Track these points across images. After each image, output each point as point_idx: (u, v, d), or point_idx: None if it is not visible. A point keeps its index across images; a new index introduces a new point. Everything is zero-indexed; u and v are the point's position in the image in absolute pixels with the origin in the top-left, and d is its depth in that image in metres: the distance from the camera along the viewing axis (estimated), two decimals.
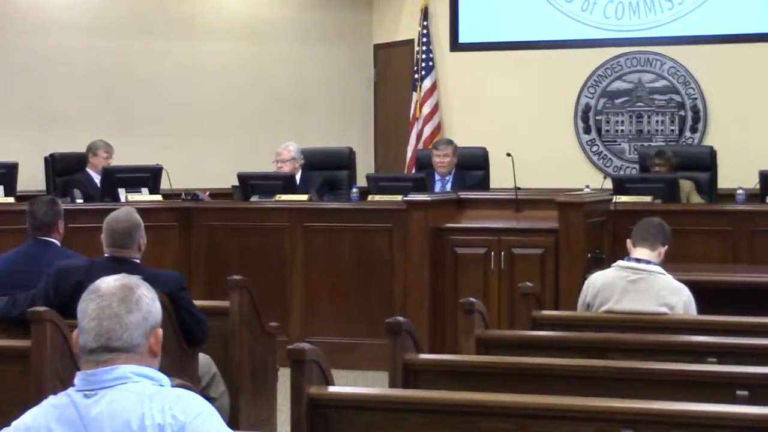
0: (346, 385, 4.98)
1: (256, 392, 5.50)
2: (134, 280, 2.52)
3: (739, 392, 3.69)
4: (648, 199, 7.63)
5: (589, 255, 6.73)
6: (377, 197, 8.10)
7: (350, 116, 11.29)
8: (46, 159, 9.16)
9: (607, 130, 10.47)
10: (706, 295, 5.27)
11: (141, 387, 2.41)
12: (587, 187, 7.98)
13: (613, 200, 7.24)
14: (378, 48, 11.44)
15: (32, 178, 9.07)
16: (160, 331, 2.51)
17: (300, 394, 3.40)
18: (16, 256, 5.29)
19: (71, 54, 10.24)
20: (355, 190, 8.63)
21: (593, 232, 6.89)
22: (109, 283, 2.49)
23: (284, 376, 4.26)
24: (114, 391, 2.40)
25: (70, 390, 2.44)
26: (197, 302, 4.98)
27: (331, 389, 3.49)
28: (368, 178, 8.60)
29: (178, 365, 4.63)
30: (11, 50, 10.05)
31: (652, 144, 10.07)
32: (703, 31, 10.18)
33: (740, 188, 7.83)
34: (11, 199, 8.04)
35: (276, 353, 5.66)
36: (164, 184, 8.47)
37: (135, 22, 10.46)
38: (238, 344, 5.33)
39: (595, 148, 10.49)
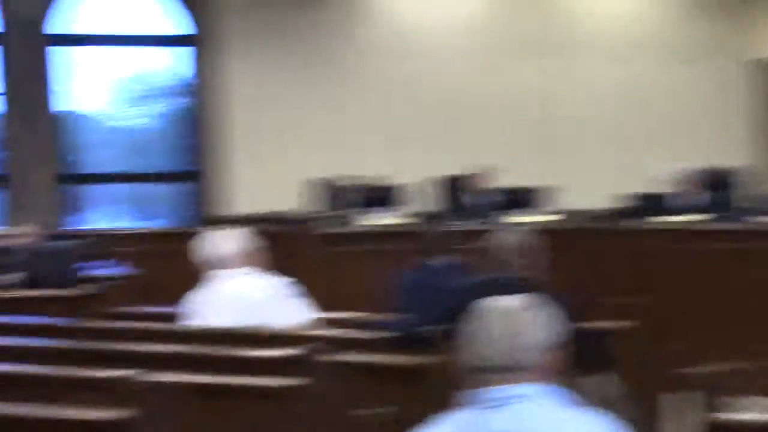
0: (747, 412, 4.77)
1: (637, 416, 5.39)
2: (531, 300, 2.53)
3: None
4: None
5: None
6: None
7: (739, 133, 10.94)
8: (435, 179, 9.43)
9: None
10: None
11: (545, 406, 2.42)
12: None
13: None
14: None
15: (417, 198, 9.35)
16: (560, 352, 2.51)
17: (696, 422, 3.29)
18: (415, 275, 5.43)
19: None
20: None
21: None
22: (505, 303, 2.52)
23: (671, 402, 4.14)
24: (516, 407, 2.41)
25: (468, 406, 2.47)
26: (590, 323, 4.93)
27: (730, 417, 3.33)
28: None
29: (575, 386, 4.60)
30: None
31: None
32: None
33: None
34: (400, 220, 8.33)
35: (665, 378, 5.52)
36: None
37: (510, 42, 10.66)
38: (630, 367, 5.24)
39: None
